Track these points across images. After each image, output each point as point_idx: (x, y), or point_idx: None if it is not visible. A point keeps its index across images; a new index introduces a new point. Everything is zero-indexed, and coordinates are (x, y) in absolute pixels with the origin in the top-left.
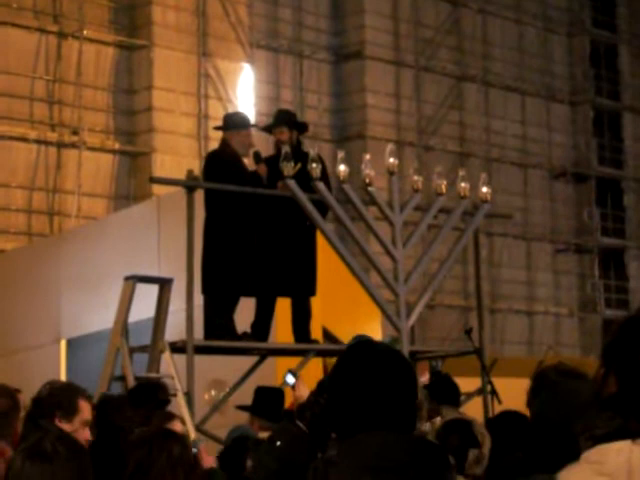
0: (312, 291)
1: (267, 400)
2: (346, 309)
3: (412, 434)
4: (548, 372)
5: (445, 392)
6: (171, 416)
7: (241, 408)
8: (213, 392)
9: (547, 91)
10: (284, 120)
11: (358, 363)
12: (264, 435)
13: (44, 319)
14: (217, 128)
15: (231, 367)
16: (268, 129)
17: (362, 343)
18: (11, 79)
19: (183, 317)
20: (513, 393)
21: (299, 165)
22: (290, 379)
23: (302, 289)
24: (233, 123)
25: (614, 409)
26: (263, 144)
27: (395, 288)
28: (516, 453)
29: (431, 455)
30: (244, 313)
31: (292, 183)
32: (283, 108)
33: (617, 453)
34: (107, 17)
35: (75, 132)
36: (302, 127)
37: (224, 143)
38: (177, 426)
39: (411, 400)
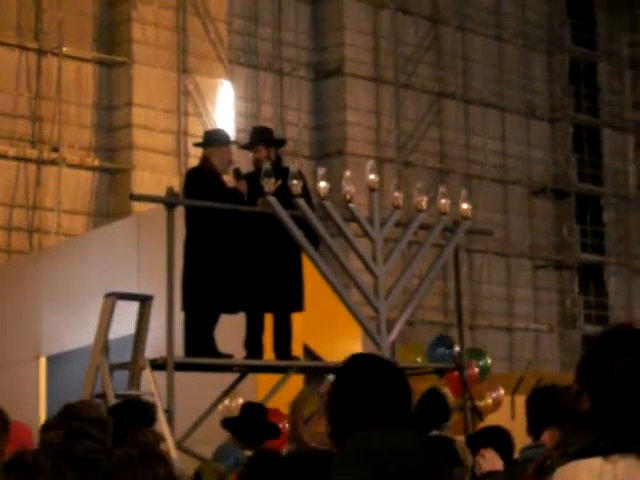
0: (299, 306)
1: (251, 419)
2: (327, 326)
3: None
4: None
5: (434, 409)
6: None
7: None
8: (227, 401)
9: (527, 108)
10: (260, 139)
11: (354, 372)
12: (247, 454)
13: (23, 336)
14: (197, 145)
15: (212, 384)
16: (248, 147)
17: (355, 356)
18: None
19: (163, 334)
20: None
21: (279, 182)
22: None
23: (288, 304)
24: (213, 140)
25: (587, 425)
26: (243, 161)
27: (375, 305)
28: None
29: (423, 443)
30: (232, 330)
31: (273, 200)
32: (259, 125)
33: (589, 470)
34: (87, 34)
35: (55, 149)
36: (279, 143)
37: (204, 160)
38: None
39: (404, 399)
